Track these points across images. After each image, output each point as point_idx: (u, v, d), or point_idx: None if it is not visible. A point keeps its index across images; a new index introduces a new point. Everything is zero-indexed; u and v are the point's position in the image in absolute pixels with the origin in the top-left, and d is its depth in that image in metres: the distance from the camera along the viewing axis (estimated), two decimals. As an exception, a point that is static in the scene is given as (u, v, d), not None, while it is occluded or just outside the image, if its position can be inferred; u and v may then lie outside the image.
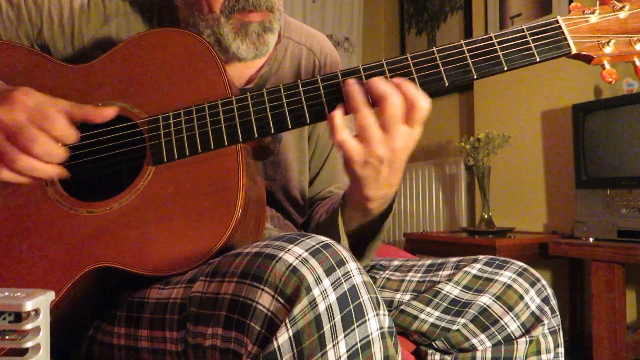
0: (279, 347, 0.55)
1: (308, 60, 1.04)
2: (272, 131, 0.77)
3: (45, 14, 0.92)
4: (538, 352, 0.86)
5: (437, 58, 0.76)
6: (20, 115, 0.71)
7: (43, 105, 0.73)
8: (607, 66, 0.76)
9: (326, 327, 0.56)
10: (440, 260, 0.96)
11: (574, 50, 0.76)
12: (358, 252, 0.88)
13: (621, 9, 0.76)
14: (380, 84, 0.72)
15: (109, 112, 0.78)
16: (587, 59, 0.76)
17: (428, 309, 0.89)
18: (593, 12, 0.77)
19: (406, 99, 0.71)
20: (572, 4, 0.79)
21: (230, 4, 0.85)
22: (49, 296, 0.53)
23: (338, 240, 0.83)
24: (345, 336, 0.56)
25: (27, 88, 0.75)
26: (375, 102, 0.72)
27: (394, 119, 0.71)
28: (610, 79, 0.76)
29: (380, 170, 0.74)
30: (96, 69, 0.84)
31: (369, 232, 0.88)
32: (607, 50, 0.75)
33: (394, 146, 0.72)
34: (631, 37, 0.75)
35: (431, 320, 0.89)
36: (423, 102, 0.72)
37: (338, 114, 0.73)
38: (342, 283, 0.58)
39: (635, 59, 0.76)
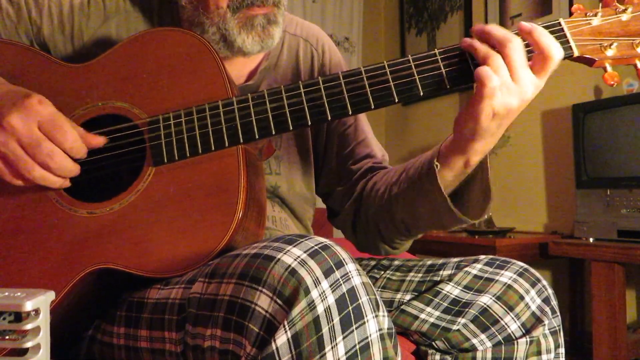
0: (277, 348, 0.55)
1: (305, 51, 1.04)
2: (273, 132, 0.76)
3: (45, 13, 0.92)
4: (538, 353, 0.86)
5: (439, 60, 0.75)
6: (34, 125, 0.72)
7: (56, 117, 0.74)
8: (609, 69, 0.76)
9: (325, 329, 0.55)
10: (441, 261, 0.96)
11: (576, 53, 0.75)
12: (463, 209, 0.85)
13: (624, 11, 0.75)
14: (498, 29, 0.72)
15: (99, 142, 0.78)
16: (589, 62, 0.76)
17: (428, 309, 0.89)
18: (595, 15, 0.76)
19: (537, 47, 0.72)
20: (575, 6, 0.78)
21: None
22: (49, 296, 0.53)
23: (441, 201, 0.82)
24: (344, 338, 0.56)
25: (41, 96, 0.75)
26: (496, 48, 0.72)
27: (518, 63, 0.71)
28: (612, 82, 0.75)
29: (502, 123, 0.75)
30: (96, 68, 0.84)
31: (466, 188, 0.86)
32: (609, 53, 0.75)
33: (524, 97, 0.73)
34: (633, 39, 0.74)
35: (431, 320, 0.89)
36: (557, 53, 0.72)
37: (482, 68, 0.71)
38: (340, 284, 0.58)
39: (637, 62, 0.75)
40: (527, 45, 0.74)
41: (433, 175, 0.81)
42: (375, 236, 0.98)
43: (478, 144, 0.78)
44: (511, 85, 0.72)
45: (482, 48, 0.73)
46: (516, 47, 0.71)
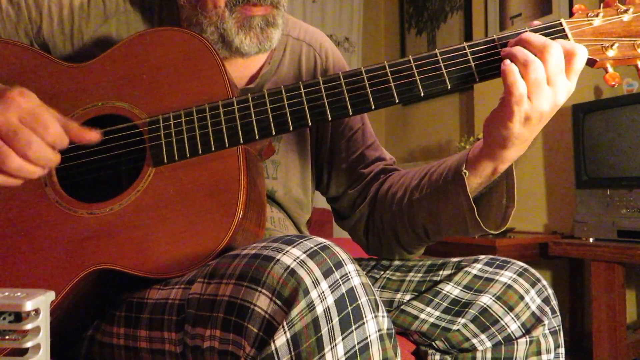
0: (276, 349, 0.55)
1: (308, 56, 1.03)
2: (274, 133, 0.76)
3: (44, 12, 0.92)
4: (538, 353, 0.86)
5: (440, 61, 0.75)
6: (13, 116, 0.70)
7: (38, 109, 0.72)
8: (610, 69, 0.75)
9: (324, 330, 0.55)
10: (441, 261, 0.96)
11: None
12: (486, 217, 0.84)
13: (625, 11, 0.75)
14: (538, 36, 0.72)
15: (92, 137, 0.76)
16: (591, 62, 0.76)
17: (428, 309, 0.89)
18: (597, 15, 0.76)
19: (563, 50, 0.71)
20: (576, 6, 0.78)
21: None
22: (49, 296, 0.53)
23: (467, 208, 0.81)
24: (343, 338, 0.56)
25: (23, 88, 0.73)
26: (536, 55, 0.71)
27: (558, 69, 0.71)
28: (613, 83, 0.75)
29: (535, 129, 0.74)
30: (95, 67, 0.84)
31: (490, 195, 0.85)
32: (611, 53, 0.75)
33: (557, 101, 0.72)
34: (635, 40, 0.74)
35: (431, 320, 0.89)
36: (581, 50, 0.72)
37: (512, 68, 0.71)
38: (340, 285, 0.58)
39: (638, 62, 0.75)
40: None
41: (461, 183, 0.81)
42: (391, 240, 0.98)
43: (509, 151, 0.78)
44: (546, 90, 0.72)
45: (522, 54, 0.72)
46: (556, 52, 0.71)
